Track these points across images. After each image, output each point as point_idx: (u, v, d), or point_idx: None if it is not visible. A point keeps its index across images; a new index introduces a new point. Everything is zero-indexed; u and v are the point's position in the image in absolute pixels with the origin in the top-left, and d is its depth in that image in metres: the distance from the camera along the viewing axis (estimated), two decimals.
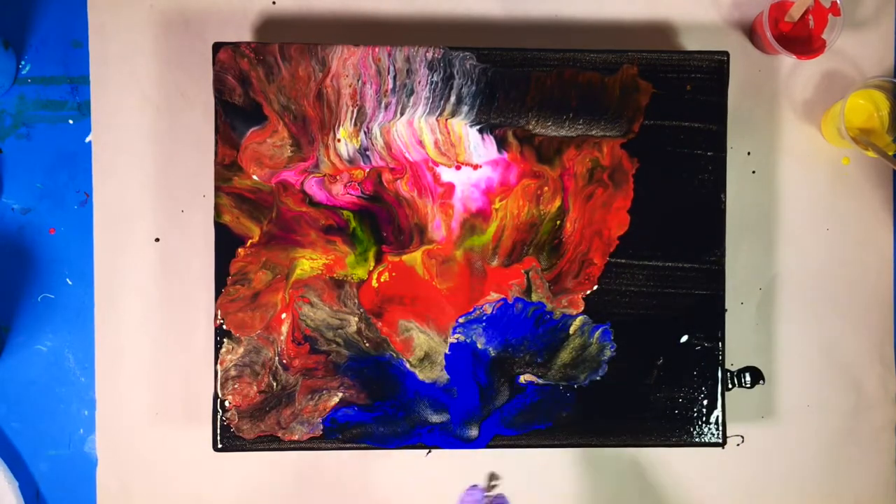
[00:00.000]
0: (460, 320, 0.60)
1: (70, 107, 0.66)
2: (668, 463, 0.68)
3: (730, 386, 0.62)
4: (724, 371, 0.61)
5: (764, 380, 0.62)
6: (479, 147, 0.60)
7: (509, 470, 0.67)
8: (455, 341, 0.60)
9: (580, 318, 0.60)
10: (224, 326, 0.59)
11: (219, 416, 0.59)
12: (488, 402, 0.60)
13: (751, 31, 0.68)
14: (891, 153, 0.66)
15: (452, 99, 0.60)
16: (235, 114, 0.59)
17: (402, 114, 0.60)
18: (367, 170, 0.60)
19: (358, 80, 0.59)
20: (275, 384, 0.59)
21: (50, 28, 0.66)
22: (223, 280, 0.59)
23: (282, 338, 0.59)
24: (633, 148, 0.60)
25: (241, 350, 0.59)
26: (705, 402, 0.61)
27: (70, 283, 0.66)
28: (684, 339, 0.61)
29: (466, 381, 0.60)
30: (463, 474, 0.67)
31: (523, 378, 0.60)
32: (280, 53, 0.59)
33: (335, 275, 0.60)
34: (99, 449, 0.66)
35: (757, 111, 0.68)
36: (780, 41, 0.64)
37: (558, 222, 0.61)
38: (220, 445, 0.59)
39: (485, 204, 0.60)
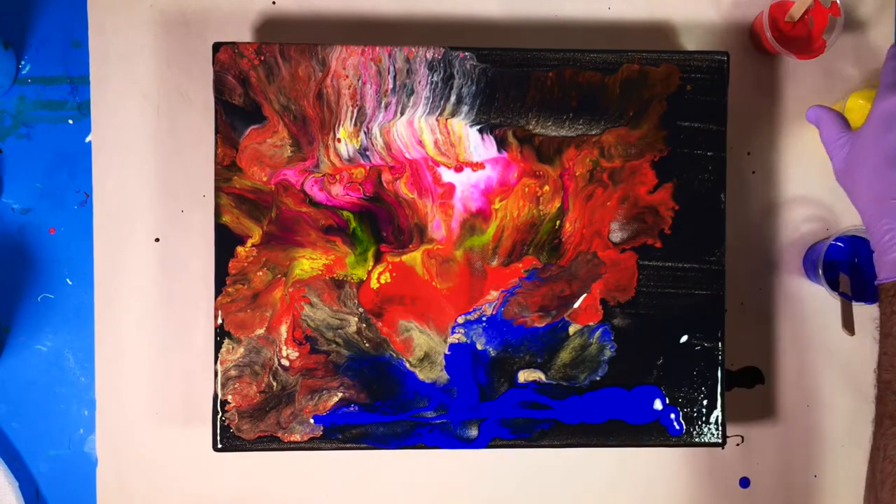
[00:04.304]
0: (460, 320, 0.60)
1: (70, 107, 0.66)
2: (668, 463, 0.68)
3: (730, 386, 0.62)
4: (724, 371, 0.61)
5: (764, 380, 0.62)
6: (479, 147, 0.60)
7: (509, 470, 0.67)
8: (455, 341, 0.60)
9: None
10: (224, 326, 0.59)
11: (219, 416, 0.59)
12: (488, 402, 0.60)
13: (751, 31, 0.68)
14: None
15: (452, 99, 0.60)
16: (235, 114, 0.59)
17: (402, 114, 0.60)
18: (367, 168, 0.60)
19: (358, 80, 0.59)
20: (275, 384, 0.59)
21: (50, 28, 0.66)
22: (223, 280, 0.59)
23: (282, 338, 0.59)
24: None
25: (241, 350, 0.59)
26: (705, 402, 0.61)
27: (70, 283, 0.66)
28: (684, 339, 0.61)
29: (466, 381, 0.60)
30: (463, 474, 0.67)
31: (523, 377, 0.60)
32: (280, 53, 0.59)
33: (335, 275, 0.60)
34: (99, 449, 0.66)
35: (757, 111, 0.68)
36: (780, 41, 0.64)
37: (558, 222, 0.60)
38: (220, 445, 0.59)
39: (485, 204, 0.60)
